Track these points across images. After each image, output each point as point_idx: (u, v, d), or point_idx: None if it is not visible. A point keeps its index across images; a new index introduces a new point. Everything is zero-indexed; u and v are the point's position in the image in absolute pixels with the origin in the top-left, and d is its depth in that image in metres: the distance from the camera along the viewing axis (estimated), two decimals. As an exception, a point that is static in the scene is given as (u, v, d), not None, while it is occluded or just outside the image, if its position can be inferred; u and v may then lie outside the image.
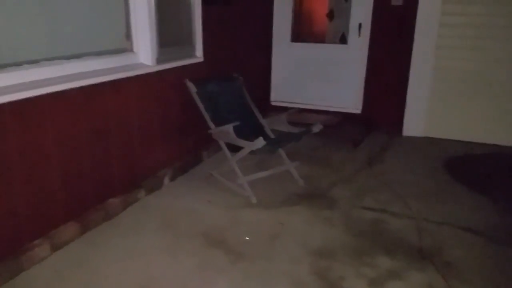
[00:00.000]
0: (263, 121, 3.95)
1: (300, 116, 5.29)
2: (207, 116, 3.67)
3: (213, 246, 2.79)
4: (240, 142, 3.36)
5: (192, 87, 3.71)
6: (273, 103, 5.69)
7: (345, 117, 5.30)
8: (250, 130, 3.82)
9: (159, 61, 3.49)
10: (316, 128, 3.54)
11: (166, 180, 3.67)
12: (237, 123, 3.44)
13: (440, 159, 4.38)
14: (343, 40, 5.58)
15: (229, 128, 3.40)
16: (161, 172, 3.65)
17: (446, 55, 4.82)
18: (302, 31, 6.00)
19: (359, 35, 5.13)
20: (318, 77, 5.45)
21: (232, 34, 4.61)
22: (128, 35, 3.36)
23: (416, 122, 5.07)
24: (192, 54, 3.98)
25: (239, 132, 3.56)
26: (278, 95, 5.68)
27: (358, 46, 5.16)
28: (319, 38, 6.29)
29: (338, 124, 5.08)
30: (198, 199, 3.43)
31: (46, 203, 2.66)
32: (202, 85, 3.77)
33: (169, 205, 3.32)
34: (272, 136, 3.87)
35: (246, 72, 4.92)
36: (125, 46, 3.37)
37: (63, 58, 2.80)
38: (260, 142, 3.16)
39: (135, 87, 3.28)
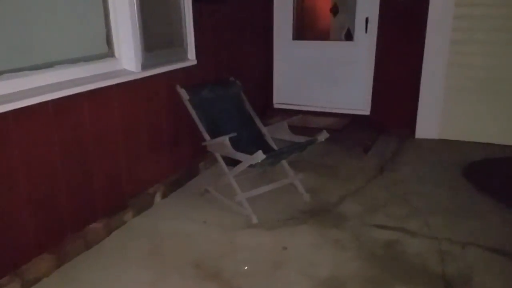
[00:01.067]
0: (264, 130, 3.59)
1: (305, 120, 4.93)
2: (201, 126, 3.32)
3: (206, 279, 2.44)
4: (238, 155, 3.01)
5: (183, 94, 3.36)
6: (276, 106, 5.33)
7: (353, 119, 4.93)
8: (249, 140, 3.48)
9: (144, 66, 3.14)
10: (322, 137, 3.18)
11: (158, 198, 3.33)
12: (234, 134, 3.08)
13: (458, 165, 4.00)
14: (348, 36, 5.21)
15: (224, 139, 3.05)
16: (152, 188, 3.31)
17: (461, 50, 4.43)
18: (305, 28, 5.64)
19: (366, 30, 4.75)
20: (323, 77, 5.08)
21: (229, 34, 4.25)
22: (108, 39, 3.01)
23: (429, 123, 4.69)
24: (183, 57, 3.63)
25: (237, 143, 3.23)
26: (281, 97, 5.32)
27: (365, 42, 4.78)
28: (323, 35, 5.93)
29: (346, 127, 4.71)
30: (192, 219, 3.08)
31: (14, 234, 2.33)
32: (195, 92, 3.42)
33: (159, 228, 2.97)
34: (274, 146, 3.52)
35: (246, 74, 4.58)
36: (106, 52, 3.02)
37: (31, 69, 2.45)
38: (258, 156, 2.81)
39: (118, 96, 2.94)
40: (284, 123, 3.42)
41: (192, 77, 3.69)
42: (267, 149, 3.45)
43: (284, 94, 5.29)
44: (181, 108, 3.40)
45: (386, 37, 4.67)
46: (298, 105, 5.22)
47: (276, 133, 3.52)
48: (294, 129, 4.58)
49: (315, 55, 5.06)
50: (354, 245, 2.76)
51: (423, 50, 4.51)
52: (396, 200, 3.36)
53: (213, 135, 3.33)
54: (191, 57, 3.68)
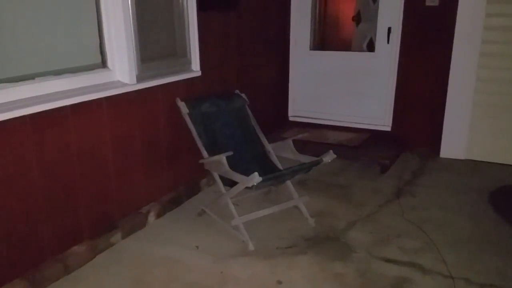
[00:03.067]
0: (269, 147, 3.34)
1: (321, 134, 4.65)
2: (199, 142, 3.11)
3: (187, 316, 2.21)
4: (234, 176, 2.77)
5: (183, 108, 3.16)
6: (292, 119, 5.07)
7: (373, 135, 4.61)
8: (252, 159, 3.24)
9: (140, 78, 2.96)
10: (328, 158, 2.90)
11: (151, 217, 3.13)
12: (230, 153, 2.85)
13: (485, 190, 3.63)
14: (371, 47, 4.90)
15: (221, 158, 2.82)
16: (145, 207, 3.11)
17: (491, 64, 4.06)
18: (325, 38, 5.37)
19: (388, 41, 4.44)
20: (342, 89, 4.79)
21: (239, 43, 4.03)
22: (102, 49, 2.84)
23: (455, 141, 4.32)
24: (187, 69, 3.43)
25: (238, 161, 3.02)
26: (297, 109, 5.06)
27: (387, 53, 4.47)
28: (344, 45, 5.64)
29: (364, 143, 4.40)
30: (185, 243, 2.86)
31: (-18, 259, 2.16)
32: (195, 105, 3.21)
33: (148, 252, 2.77)
34: (279, 165, 3.26)
35: (258, 85, 4.36)
36: (99, 62, 2.85)
37: (10, 81, 2.29)
38: (254, 178, 2.56)
39: (109, 110, 2.76)
40: (289, 141, 3.16)
41: (196, 89, 3.49)
42: (270, 168, 3.21)
43: (300, 106, 5.02)
44: (182, 122, 3.20)
45: (410, 48, 4.35)
46: (314, 118, 4.94)
47: (281, 151, 3.26)
48: (308, 144, 4.36)
49: (334, 66, 4.78)
50: (358, 282, 2.47)
51: (449, 63, 4.17)
52: (411, 229, 3.04)
53: (212, 152, 3.11)
54: (195, 68, 3.48)
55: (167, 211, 3.26)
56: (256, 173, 2.56)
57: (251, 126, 3.41)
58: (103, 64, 2.86)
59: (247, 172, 3.00)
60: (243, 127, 3.37)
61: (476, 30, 4.00)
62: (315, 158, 2.93)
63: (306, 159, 3.02)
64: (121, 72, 2.88)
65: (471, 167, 4.17)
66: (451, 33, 4.09)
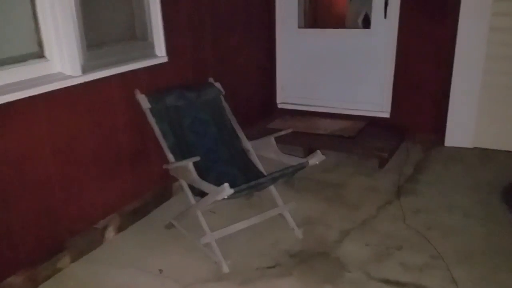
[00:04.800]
0: (249, 145, 2.86)
1: (312, 123, 4.17)
2: (164, 144, 2.63)
3: None
4: (203, 186, 2.31)
5: (143, 102, 2.67)
6: (280, 106, 4.58)
7: (370, 123, 4.13)
8: (228, 160, 2.78)
9: (87, 68, 2.46)
10: (315, 160, 2.43)
11: (110, 233, 2.67)
12: (197, 158, 2.38)
13: (498, 185, 3.17)
14: (366, 23, 4.38)
15: (187, 164, 2.35)
16: (102, 222, 2.65)
17: (503, 39, 3.56)
18: (314, 14, 4.84)
19: (385, 16, 3.92)
20: (335, 72, 4.28)
21: (215, 21, 3.51)
22: (39, 36, 2.33)
23: (462, 128, 3.85)
24: (148, 54, 2.93)
25: (212, 163, 2.62)
26: (286, 96, 4.56)
27: (385, 30, 3.96)
28: (337, 22, 5.11)
29: (360, 133, 3.92)
30: (147, 266, 2.41)
31: None
32: (159, 98, 2.72)
33: (101, 280, 2.32)
34: (260, 166, 2.79)
35: (240, 71, 3.87)
36: (36, 52, 2.34)
37: None
38: (224, 191, 2.09)
39: (46, 109, 2.28)
40: (270, 139, 2.68)
41: (162, 79, 3.00)
42: (250, 170, 2.76)
43: (289, 92, 4.52)
44: (146, 119, 2.71)
45: (410, 24, 3.83)
46: (305, 105, 4.45)
47: (262, 150, 2.79)
48: (298, 135, 3.88)
49: (325, 45, 4.27)
50: (351, 314, 2.03)
51: (455, 39, 3.66)
52: (414, 238, 2.59)
53: (181, 154, 2.65)
54: (160, 53, 2.98)
55: (130, 223, 2.80)
56: (226, 185, 2.09)
57: (227, 120, 2.92)
58: (41, 53, 2.35)
59: (222, 176, 2.59)
60: (218, 123, 2.89)
61: (485, 1, 3.48)
62: (300, 160, 2.46)
63: (290, 160, 2.55)
64: (63, 62, 2.38)
65: (480, 157, 3.70)
66: (456, 5, 3.56)
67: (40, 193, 2.28)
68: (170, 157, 2.59)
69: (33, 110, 2.21)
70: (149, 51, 2.94)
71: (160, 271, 2.36)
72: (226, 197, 2.12)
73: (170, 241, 2.62)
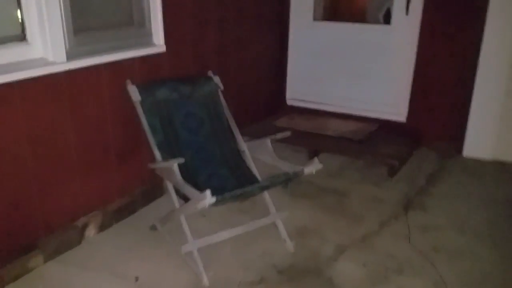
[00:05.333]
0: (244, 146, 2.65)
1: (321, 123, 3.93)
2: (152, 140, 2.44)
3: None
4: (186, 189, 2.11)
5: (134, 94, 2.48)
6: (290, 103, 4.35)
7: (383, 126, 3.87)
8: (221, 160, 2.58)
9: (73, 55, 2.29)
10: (311, 168, 2.21)
11: (90, 232, 2.51)
12: (181, 160, 2.18)
13: (518, 204, 2.90)
14: (387, 18, 4.09)
15: (172, 165, 2.16)
16: (82, 219, 2.48)
17: (536, 44, 3.25)
18: (332, 6, 4.55)
19: (407, 12, 3.63)
20: (349, 69, 4.02)
21: (221, 9, 3.29)
22: (19, 16, 2.16)
23: (482, 137, 3.56)
24: (145, 42, 2.74)
25: (204, 163, 2.46)
26: (296, 92, 4.32)
27: (405, 27, 3.68)
28: (356, 16, 4.81)
29: (370, 137, 3.67)
30: (122, 271, 2.24)
31: None
32: (151, 91, 2.53)
33: (72, 284, 2.16)
34: (254, 169, 2.58)
35: (248, 64, 3.67)
36: (17, 34, 2.17)
37: None
38: (205, 199, 1.89)
39: (24, 96, 2.11)
40: (266, 141, 2.47)
41: (159, 70, 2.81)
42: (242, 173, 2.55)
43: (300, 88, 4.29)
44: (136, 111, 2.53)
45: (433, 22, 3.54)
46: (315, 103, 4.21)
47: (257, 152, 2.58)
48: (304, 136, 3.65)
49: (341, 40, 4.01)
50: None
51: (480, 43, 3.36)
52: (417, 260, 2.35)
53: (171, 152, 2.47)
54: (158, 42, 2.78)
55: (114, 222, 2.64)
56: (208, 192, 1.89)
57: (223, 118, 2.72)
58: (22, 36, 2.18)
59: (212, 178, 2.40)
60: (213, 120, 2.69)
61: (519, 1, 3.18)
62: (296, 168, 2.24)
63: (285, 166, 2.33)
64: (45, 47, 2.20)
65: (500, 171, 3.42)
66: (484, 8, 3.26)
67: (12, 185, 2.12)
68: (157, 155, 2.40)
69: (9, 97, 2.04)
70: (146, 39, 2.75)
71: (136, 278, 2.19)
72: (207, 206, 1.92)
73: (152, 245, 2.45)
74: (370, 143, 3.56)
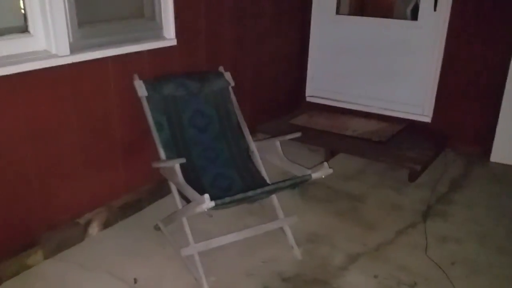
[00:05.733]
0: (253, 146, 2.53)
1: (341, 122, 3.78)
2: (156, 138, 2.35)
3: None
4: (187, 191, 2.01)
5: (140, 89, 2.40)
6: (309, 99, 4.20)
7: (407, 127, 3.68)
8: (228, 160, 2.50)
9: (77, 47, 2.22)
10: (321, 174, 2.08)
11: (93, 229, 2.45)
12: (183, 160, 2.09)
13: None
14: (415, 14, 3.89)
15: (173, 165, 2.07)
16: (86, 216, 2.43)
17: None
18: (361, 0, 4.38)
19: (435, 8, 3.43)
20: (373, 66, 3.84)
21: (239, 1, 3.17)
22: (22, 7, 2.10)
23: (513, 143, 3.34)
24: (155, 35, 2.65)
25: (210, 162, 2.40)
26: (316, 88, 4.17)
27: (433, 24, 3.47)
28: (383, 10, 4.61)
29: (393, 138, 3.49)
30: (122, 272, 2.17)
31: None
32: (158, 86, 2.43)
33: (69, 283, 2.10)
34: (262, 171, 2.47)
35: (266, 58, 3.56)
36: (20, 26, 2.11)
37: None
38: (204, 203, 1.80)
39: (25, 89, 2.06)
40: (275, 142, 2.34)
41: (169, 65, 2.72)
42: (251, 175, 2.44)
43: (320, 84, 4.13)
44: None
45: (463, 19, 3.33)
46: (336, 100, 4.05)
47: (266, 153, 2.46)
48: (322, 134, 3.51)
49: (364, 35, 3.83)
50: None
51: (515, 40, 3.13)
52: (433, 275, 2.20)
53: (177, 151, 2.39)
54: (169, 35, 2.69)
55: (118, 219, 2.58)
56: (206, 196, 1.79)
57: (233, 116, 2.61)
58: (24, 27, 2.12)
59: (218, 179, 2.32)
60: (222, 118, 2.58)
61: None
62: (304, 171, 2.11)
63: (293, 169, 2.21)
64: (48, 39, 2.14)
65: (531, 179, 3.19)
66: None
67: (12, 179, 2.07)
68: (161, 153, 2.31)
69: (9, 90, 1.99)
70: (156, 32, 2.66)
71: (135, 280, 2.11)
72: (205, 210, 1.82)
73: (154, 246, 2.37)
74: (391, 145, 3.39)
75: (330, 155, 3.46)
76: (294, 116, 3.92)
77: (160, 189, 2.82)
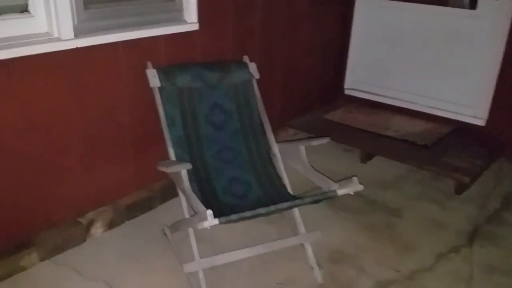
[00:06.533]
0: (276, 148, 2.24)
1: (382, 119, 3.42)
2: (167, 135, 2.10)
3: None
4: (191, 201, 1.75)
5: (153, 78, 2.14)
6: (348, 92, 3.83)
7: (456, 129, 3.28)
8: (247, 163, 2.21)
9: (82, 31, 1.99)
10: (348, 190, 1.76)
11: (97, 229, 2.25)
12: (189, 165, 1.83)
13: None
14: (473, 2, 3.42)
15: (179, 169, 1.82)
16: (88, 215, 2.23)
17: None
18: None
19: (499, -5, 2.98)
20: (421, 59, 3.42)
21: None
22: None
23: None
24: (174, 18, 2.38)
25: (225, 164, 2.15)
26: (356, 80, 3.79)
27: (494, 14, 3.02)
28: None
29: (440, 142, 3.11)
30: (120, 282, 1.96)
31: None
32: (172, 76, 2.17)
33: (60, 292, 1.91)
34: (284, 177, 2.18)
35: (301, 46, 3.22)
36: (19, 4, 1.90)
37: None
38: (205, 220, 1.54)
39: (23, 76, 1.85)
40: (300, 148, 2.04)
41: (187, 51, 2.46)
42: (270, 181, 2.15)
43: (361, 76, 3.75)
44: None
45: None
46: (377, 95, 3.67)
47: (289, 158, 2.16)
48: (358, 133, 3.17)
49: (414, 24, 3.41)
50: None
51: None
52: (478, 315, 1.85)
53: (188, 150, 2.13)
54: (190, 19, 2.42)
55: (125, 219, 2.36)
56: (209, 212, 1.54)
57: (255, 113, 2.31)
58: (24, 7, 1.90)
59: (233, 184, 2.05)
60: (243, 114, 2.29)
61: None
62: (330, 185, 1.81)
63: (318, 179, 1.91)
64: (50, 20, 1.91)
65: None
66: None
67: (6, 174, 1.89)
68: (171, 153, 2.06)
69: (5, 76, 1.78)
70: (175, 15, 2.39)
71: (131, 295, 1.90)
72: (207, 227, 1.56)
73: (159, 253, 2.14)
74: (438, 150, 3.00)
75: (366, 157, 3.12)
76: (329, 110, 3.59)
77: (174, 186, 2.57)
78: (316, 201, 1.74)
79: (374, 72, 3.67)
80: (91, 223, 2.22)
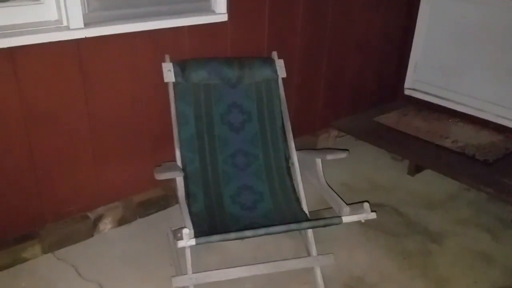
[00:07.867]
0: (295, 157, 2.01)
1: (441, 126, 3.04)
2: (176, 134, 1.96)
3: None
4: (183, 212, 1.60)
5: (169, 73, 2.00)
6: (408, 92, 3.45)
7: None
8: (260, 171, 2.01)
9: (93, 19, 1.90)
10: (357, 217, 1.51)
11: (106, 225, 2.19)
12: (181, 174, 1.67)
13: None
14: None
15: (176, 175, 1.67)
16: (96, 210, 2.16)
17: None
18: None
19: None
20: (496, 61, 2.96)
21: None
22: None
23: None
24: (201, 8, 2.22)
25: (238, 170, 2.00)
26: (418, 80, 3.40)
27: None
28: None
29: (506, 158, 2.68)
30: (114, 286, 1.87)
31: None
32: (188, 71, 2.02)
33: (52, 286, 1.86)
34: (300, 192, 1.95)
35: (356, 40, 2.97)
36: (31, -10, 1.84)
37: None
38: (181, 240, 1.38)
39: (27, 68, 1.80)
40: (316, 160, 1.80)
41: (214, 44, 2.29)
42: (284, 193, 1.94)
43: (424, 76, 3.35)
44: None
45: None
46: (440, 98, 3.26)
47: (306, 170, 1.93)
48: (408, 140, 2.83)
49: (490, 21, 2.95)
50: None
51: None
52: None
53: (198, 152, 1.98)
54: (219, 9, 2.23)
55: (137, 217, 2.28)
56: (185, 232, 1.38)
57: (277, 115, 2.09)
58: (35, -7, 1.84)
59: (242, 193, 1.90)
60: (264, 116, 2.09)
61: None
62: (342, 207, 1.56)
63: (330, 197, 1.67)
64: (60, 8, 1.84)
65: None
66: None
67: (16, 164, 1.86)
68: (177, 155, 1.92)
69: (10, 66, 1.74)
70: (201, 4, 2.22)
71: (121, 301, 1.80)
72: (184, 245, 1.40)
73: (161, 260, 2.02)
74: (501, 168, 2.58)
75: (415, 169, 2.77)
76: (384, 111, 3.25)
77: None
78: (312, 227, 1.51)
79: (440, 72, 3.26)
80: (99, 218, 2.16)
